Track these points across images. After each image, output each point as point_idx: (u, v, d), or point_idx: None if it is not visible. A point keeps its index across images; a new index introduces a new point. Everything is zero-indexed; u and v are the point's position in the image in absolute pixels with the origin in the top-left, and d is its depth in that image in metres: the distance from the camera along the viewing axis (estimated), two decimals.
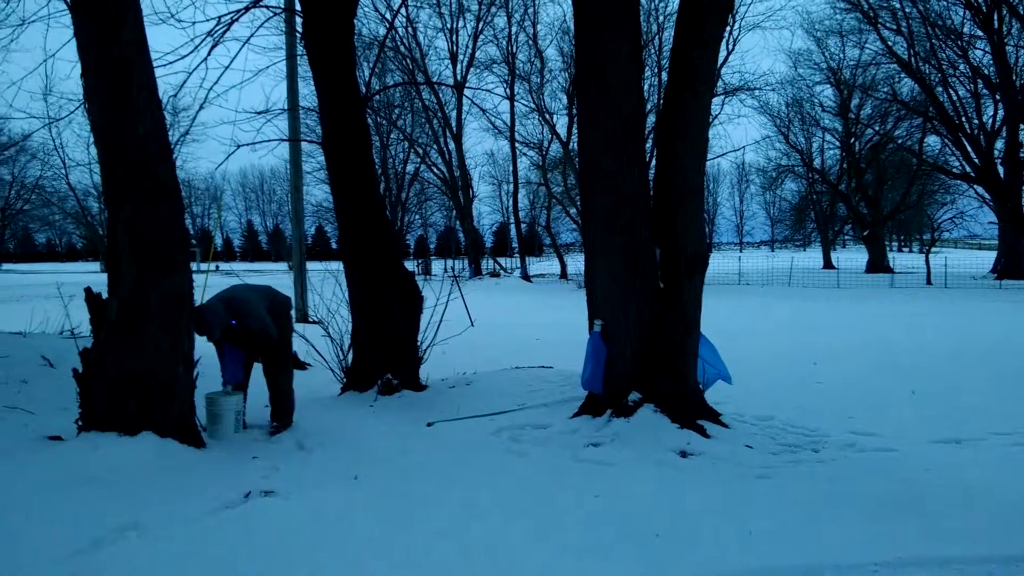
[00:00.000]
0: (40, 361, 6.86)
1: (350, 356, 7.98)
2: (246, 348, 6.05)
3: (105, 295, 5.24)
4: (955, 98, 29.60)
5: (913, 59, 29.57)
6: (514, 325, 15.91)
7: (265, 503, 4.44)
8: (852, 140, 38.52)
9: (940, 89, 29.56)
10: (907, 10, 28.61)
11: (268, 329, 5.95)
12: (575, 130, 31.73)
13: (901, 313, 17.56)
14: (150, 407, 5.13)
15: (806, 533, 4.00)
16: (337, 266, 8.41)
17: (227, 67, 8.35)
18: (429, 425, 6.41)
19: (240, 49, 8.57)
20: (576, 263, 32.85)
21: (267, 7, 9.07)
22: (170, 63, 7.57)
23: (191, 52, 7.92)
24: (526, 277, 36.70)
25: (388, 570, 3.54)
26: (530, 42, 35.56)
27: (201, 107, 8.48)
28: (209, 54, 7.94)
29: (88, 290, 5.28)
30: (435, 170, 40.76)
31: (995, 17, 26.68)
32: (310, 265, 17.70)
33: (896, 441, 5.93)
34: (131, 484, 4.50)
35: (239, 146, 9.37)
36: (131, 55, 5.14)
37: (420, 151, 39.73)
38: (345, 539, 3.90)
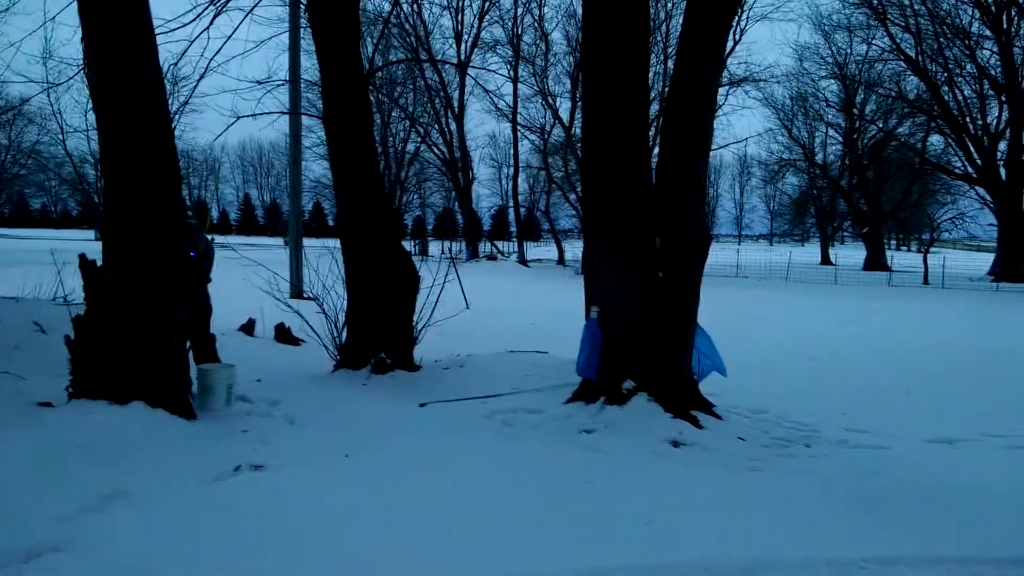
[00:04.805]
0: (32, 327, 6.82)
1: (344, 334, 7.95)
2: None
3: (99, 263, 5.19)
4: (960, 98, 29.59)
5: (920, 57, 29.52)
6: (510, 309, 15.90)
7: (255, 477, 4.41)
8: (855, 136, 38.43)
9: (946, 88, 29.55)
10: (916, 7, 28.53)
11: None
12: (578, 115, 31.66)
13: (898, 312, 17.58)
14: (142, 376, 5.09)
15: (796, 527, 3.99)
16: (334, 243, 8.36)
17: (229, 36, 8.24)
18: (422, 406, 6.39)
19: (243, 19, 8.46)
20: (574, 249, 32.82)
21: None
22: (171, 31, 7.47)
23: (193, 20, 7.82)
24: (523, 262, 36.62)
25: (375, 548, 3.52)
26: (536, 24, 35.28)
27: (202, 76, 8.37)
28: (212, 23, 7.83)
29: (82, 257, 5.23)
30: (435, 150, 40.49)
31: (1004, 18, 26.60)
32: (306, 241, 17.63)
33: (889, 439, 5.92)
34: (120, 453, 4.47)
35: (239, 117, 9.29)
36: (132, 19, 5.06)
37: (421, 130, 39.48)
38: (333, 516, 3.88)
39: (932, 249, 33.95)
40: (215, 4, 7.83)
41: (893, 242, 71.42)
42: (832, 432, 6.04)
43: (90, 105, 5.66)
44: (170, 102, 5.95)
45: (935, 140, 34.54)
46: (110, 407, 4.95)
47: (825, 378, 8.69)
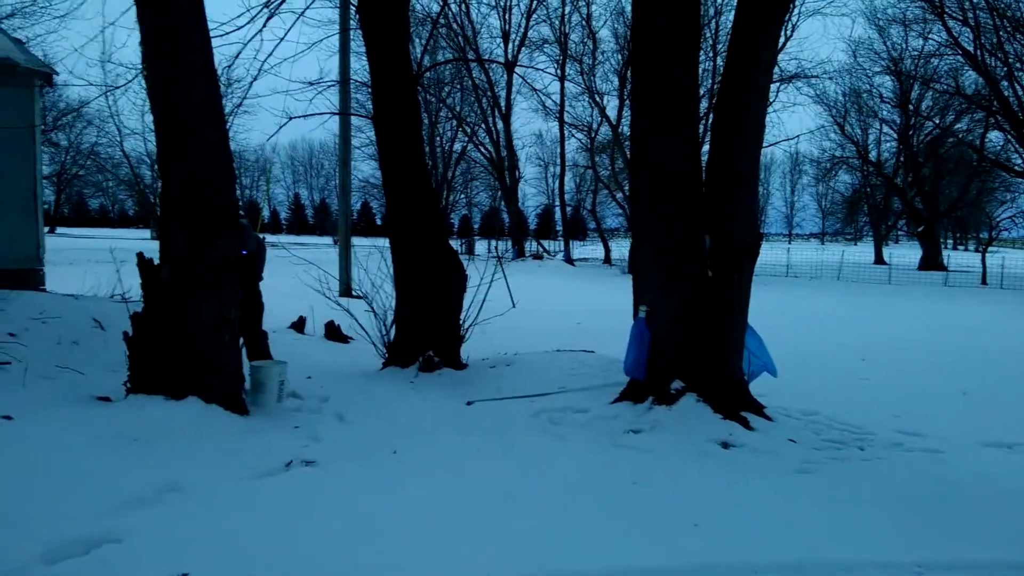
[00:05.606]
0: (91, 323, 7.01)
1: (392, 332, 8.02)
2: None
3: (156, 261, 5.32)
4: (1021, 93, 28.60)
5: (979, 51, 28.62)
6: (556, 308, 15.85)
7: (305, 473, 4.48)
8: (910, 133, 37.49)
9: (1005, 83, 28.58)
10: (975, 0, 27.69)
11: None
12: (626, 113, 31.47)
13: (954, 313, 17.14)
14: (196, 372, 5.21)
15: (847, 529, 3.92)
16: (382, 242, 8.43)
17: (282, 39, 8.37)
18: (469, 404, 6.42)
19: (295, 22, 8.59)
20: (620, 248, 32.64)
21: None
22: (225, 33, 7.61)
23: (247, 23, 7.95)
24: (569, 261, 36.53)
25: (423, 545, 3.55)
26: (583, 23, 35.22)
27: (255, 78, 8.52)
28: (264, 25, 7.95)
29: (140, 255, 5.37)
30: (482, 149, 40.64)
31: None
32: (355, 240, 17.83)
33: (944, 443, 5.77)
34: (175, 447, 4.58)
35: (291, 118, 9.43)
36: (188, 22, 5.18)
37: (468, 130, 39.63)
38: (382, 511, 3.92)
39: (990, 248, 33.01)
40: (268, 7, 7.96)
41: (949, 241, 69.73)
42: (886, 435, 5.90)
43: (147, 107, 5.80)
44: (224, 103, 6.06)
45: (994, 136, 33.53)
46: (166, 402, 5.07)
47: (878, 379, 8.50)
